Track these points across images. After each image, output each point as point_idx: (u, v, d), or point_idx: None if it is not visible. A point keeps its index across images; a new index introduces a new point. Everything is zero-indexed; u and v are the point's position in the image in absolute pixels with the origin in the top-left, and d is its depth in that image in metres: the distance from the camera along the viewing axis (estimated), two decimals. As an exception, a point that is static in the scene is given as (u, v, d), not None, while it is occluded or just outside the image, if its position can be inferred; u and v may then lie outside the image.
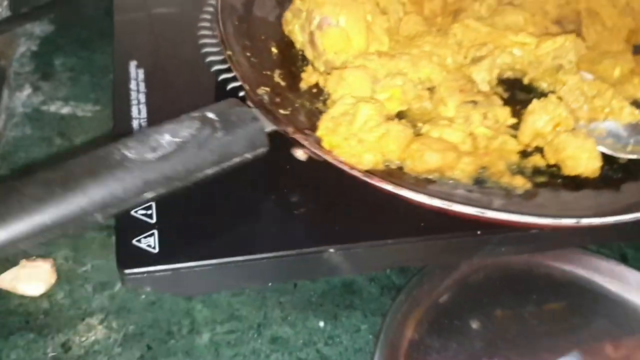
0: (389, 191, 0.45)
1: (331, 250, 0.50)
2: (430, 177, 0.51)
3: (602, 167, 0.53)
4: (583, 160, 0.52)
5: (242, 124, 0.46)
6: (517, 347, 0.56)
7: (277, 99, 0.54)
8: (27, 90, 0.71)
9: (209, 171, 0.44)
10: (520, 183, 0.52)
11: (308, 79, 0.59)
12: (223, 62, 0.60)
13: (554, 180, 0.53)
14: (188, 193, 0.50)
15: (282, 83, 0.58)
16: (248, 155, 0.46)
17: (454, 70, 0.59)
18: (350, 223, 0.51)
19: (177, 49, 0.65)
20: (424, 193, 0.45)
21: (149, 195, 0.41)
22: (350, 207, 0.51)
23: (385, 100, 0.54)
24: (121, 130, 0.55)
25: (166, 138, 0.43)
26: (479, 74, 0.58)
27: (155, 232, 0.47)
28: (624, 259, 0.62)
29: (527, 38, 0.59)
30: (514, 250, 0.56)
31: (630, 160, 0.55)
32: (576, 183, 0.53)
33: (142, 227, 0.47)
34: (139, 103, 0.57)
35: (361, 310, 0.57)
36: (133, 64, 0.61)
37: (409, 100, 0.56)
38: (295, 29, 0.61)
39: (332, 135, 0.50)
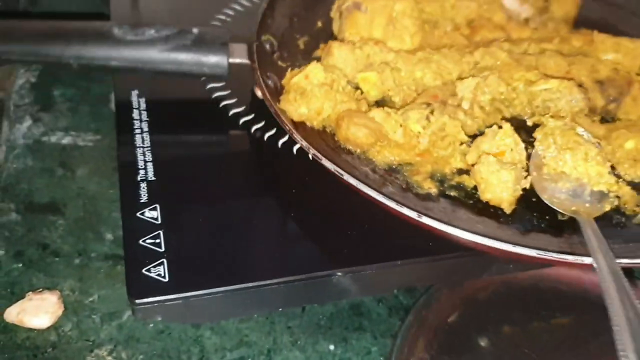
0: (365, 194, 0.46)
1: (339, 273, 0.50)
2: (352, 150, 0.56)
3: (522, 206, 0.54)
4: (493, 186, 0.52)
5: (212, 44, 0.56)
6: (527, 362, 0.55)
7: (285, 54, 0.65)
8: (28, 122, 0.71)
9: (169, 67, 0.56)
10: (427, 186, 0.54)
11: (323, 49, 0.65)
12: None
13: (466, 200, 0.54)
14: (196, 220, 0.51)
15: (302, 47, 0.68)
16: (206, 70, 0.56)
17: (450, 82, 0.60)
18: (358, 245, 0.51)
19: (176, 81, 0.66)
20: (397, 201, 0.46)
21: (114, 63, 0.55)
22: (356, 228, 0.52)
23: (360, 80, 0.61)
24: (125, 159, 0.55)
25: (150, 31, 0.56)
26: (461, 90, 0.59)
27: (165, 260, 0.47)
28: (629, 273, 0.62)
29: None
30: (522, 266, 0.56)
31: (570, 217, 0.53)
32: (487, 209, 0.54)
33: (151, 256, 0.47)
34: (142, 132, 0.57)
35: (370, 332, 0.57)
36: (134, 94, 0.61)
37: (384, 90, 0.61)
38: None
39: (289, 84, 0.58)
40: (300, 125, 0.55)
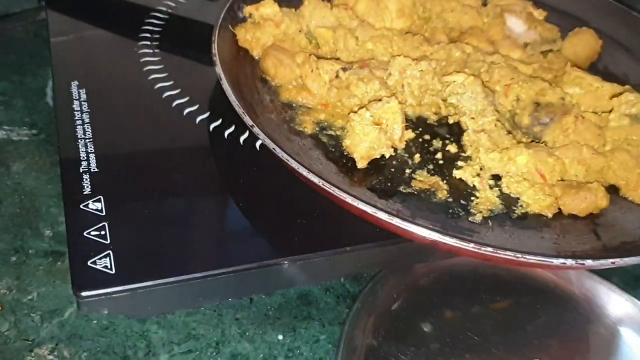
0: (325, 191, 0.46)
1: (286, 262, 0.50)
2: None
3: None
4: (355, 135, 0.54)
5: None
6: (470, 346, 0.57)
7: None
8: (-43, 117, 0.68)
9: None
10: (305, 126, 0.58)
11: None
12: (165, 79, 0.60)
13: (330, 147, 0.57)
14: (142, 211, 0.50)
15: None
16: None
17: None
18: (305, 233, 0.51)
19: (116, 67, 0.64)
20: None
21: None
22: (303, 217, 0.52)
23: (315, 33, 0.66)
24: (67, 151, 0.53)
25: None
26: (391, 65, 0.62)
27: (110, 252, 0.46)
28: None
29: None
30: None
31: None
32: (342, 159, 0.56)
33: (97, 248, 0.46)
34: (83, 123, 0.56)
35: (319, 321, 0.58)
36: (74, 84, 0.60)
37: (334, 49, 0.65)
38: None
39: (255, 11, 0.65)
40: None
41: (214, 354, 0.53)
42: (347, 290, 0.61)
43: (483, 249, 0.44)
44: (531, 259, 0.44)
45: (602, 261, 0.45)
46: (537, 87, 0.60)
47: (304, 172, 0.47)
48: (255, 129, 0.49)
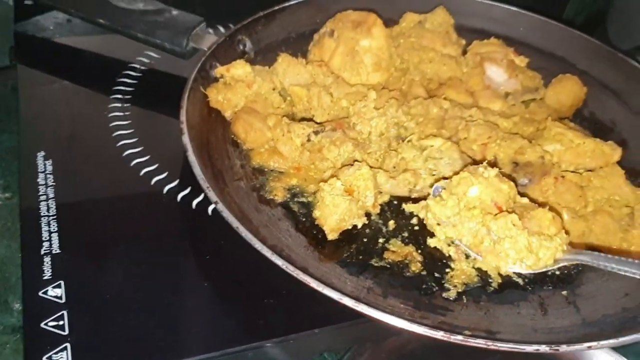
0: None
1: (268, 344, 0.48)
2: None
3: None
4: (325, 206, 0.53)
5: (181, 24, 0.68)
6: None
7: (259, 59, 0.69)
8: None
9: (140, 35, 0.68)
10: (276, 193, 0.57)
11: None
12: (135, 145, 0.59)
13: (300, 216, 0.55)
14: (104, 297, 0.48)
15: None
16: (167, 46, 0.67)
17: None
18: (273, 315, 0.49)
19: (85, 132, 0.63)
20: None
21: (101, 21, 0.70)
22: (272, 296, 0.50)
23: (290, 91, 0.64)
24: (29, 231, 0.52)
25: (139, 4, 0.69)
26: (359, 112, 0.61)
27: (68, 345, 0.44)
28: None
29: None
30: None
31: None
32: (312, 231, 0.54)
33: (54, 341, 0.44)
34: (47, 199, 0.54)
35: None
36: (40, 156, 0.58)
37: (308, 107, 0.64)
38: None
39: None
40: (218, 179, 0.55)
41: None
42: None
43: (452, 337, 0.42)
44: (502, 347, 0.42)
45: (577, 346, 0.43)
46: (516, 145, 0.58)
47: (267, 253, 0.45)
48: (219, 206, 0.48)
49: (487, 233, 0.50)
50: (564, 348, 0.43)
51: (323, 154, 0.57)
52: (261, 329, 0.48)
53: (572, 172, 0.59)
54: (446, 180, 0.54)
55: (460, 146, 0.59)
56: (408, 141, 0.59)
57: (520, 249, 0.49)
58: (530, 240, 0.49)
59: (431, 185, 0.55)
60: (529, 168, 0.57)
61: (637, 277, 0.46)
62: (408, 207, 0.56)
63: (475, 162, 0.58)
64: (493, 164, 0.55)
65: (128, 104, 0.67)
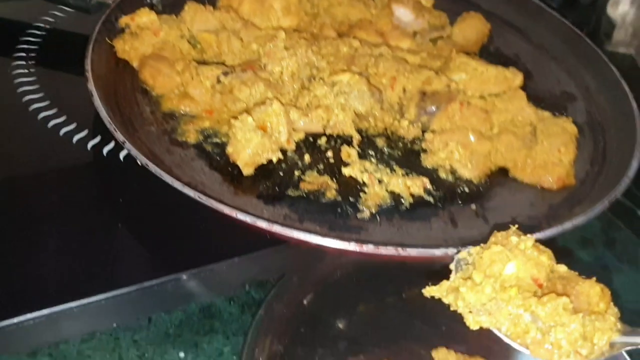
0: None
1: (185, 276, 0.48)
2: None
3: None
4: (237, 142, 0.53)
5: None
6: (380, 339, 0.57)
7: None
8: None
9: None
10: (188, 136, 0.56)
11: None
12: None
13: (214, 155, 0.55)
14: (19, 238, 0.47)
15: None
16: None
17: None
18: (198, 245, 0.50)
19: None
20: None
21: None
22: (190, 230, 0.50)
23: (199, 38, 0.64)
24: None
25: None
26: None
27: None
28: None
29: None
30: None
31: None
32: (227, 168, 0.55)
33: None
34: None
35: (222, 333, 0.56)
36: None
37: (218, 52, 0.64)
38: None
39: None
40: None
41: (111, 380, 0.51)
42: (252, 297, 0.60)
43: (365, 247, 0.43)
44: (412, 253, 0.44)
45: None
46: (423, 76, 0.60)
47: (178, 185, 0.45)
48: (127, 145, 0.47)
49: (533, 320, 0.41)
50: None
51: (235, 95, 0.57)
52: (178, 261, 0.48)
53: (478, 98, 0.61)
54: (468, 250, 0.43)
55: (370, 81, 0.60)
56: (320, 79, 0.60)
57: (575, 337, 0.40)
58: (585, 325, 0.40)
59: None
60: (436, 96, 0.59)
61: None
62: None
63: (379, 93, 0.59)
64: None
65: (33, 62, 0.65)
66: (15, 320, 0.43)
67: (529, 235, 0.43)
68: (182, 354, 0.54)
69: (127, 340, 0.54)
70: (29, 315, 0.44)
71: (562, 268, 0.44)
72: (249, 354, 0.53)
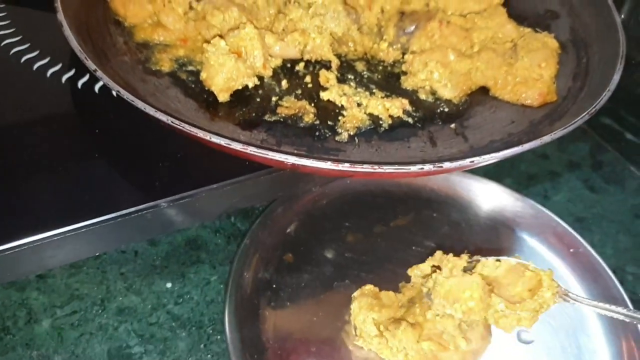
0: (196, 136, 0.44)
1: (164, 203, 0.48)
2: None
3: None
4: (211, 67, 0.52)
5: None
6: (365, 265, 0.57)
7: None
8: None
9: None
10: (162, 64, 0.55)
11: None
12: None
13: (189, 83, 0.54)
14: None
15: None
16: None
17: None
18: (176, 173, 0.50)
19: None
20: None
21: None
22: (172, 158, 0.50)
23: None
24: None
25: None
26: None
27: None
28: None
29: None
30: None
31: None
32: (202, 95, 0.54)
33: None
34: None
35: (209, 263, 0.57)
36: None
37: None
38: None
39: None
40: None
41: (100, 311, 0.52)
42: (238, 228, 0.60)
43: (340, 166, 0.43)
44: (388, 169, 0.43)
45: (460, 162, 0.45)
46: (404, -5, 0.59)
47: (151, 111, 0.44)
48: (99, 73, 0.46)
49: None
50: (447, 165, 0.45)
51: (208, 21, 0.56)
52: (157, 189, 0.48)
53: (458, 16, 0.60)
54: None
55: (348, 2, 0.59)
56: (295, 1, 0.58)
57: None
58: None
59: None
60: (415, 16, 0.58)
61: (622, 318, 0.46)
62: (325, 95, 0.55)
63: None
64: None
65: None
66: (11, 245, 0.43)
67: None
68: (169, 285, 0.55)
69: (114, 273, 0.55)
70: (12, 244, 0.44)
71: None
72: (235, 281, 0.54)
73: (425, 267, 0.50)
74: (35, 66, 0.56)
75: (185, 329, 0.52)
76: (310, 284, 0.55)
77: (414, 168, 0.44)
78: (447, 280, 0.47)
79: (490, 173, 0.65)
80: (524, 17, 0.64)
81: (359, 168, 0.43)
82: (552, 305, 0.46)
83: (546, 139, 0.47)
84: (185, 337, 0.51)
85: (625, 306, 0.53)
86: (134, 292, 0.54)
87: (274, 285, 0.55)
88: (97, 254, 0.53)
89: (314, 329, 0.52)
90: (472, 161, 0.45)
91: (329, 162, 0.43)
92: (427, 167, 0.44)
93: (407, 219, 0.63)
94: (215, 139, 0.44)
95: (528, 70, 0.55)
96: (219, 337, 0.52)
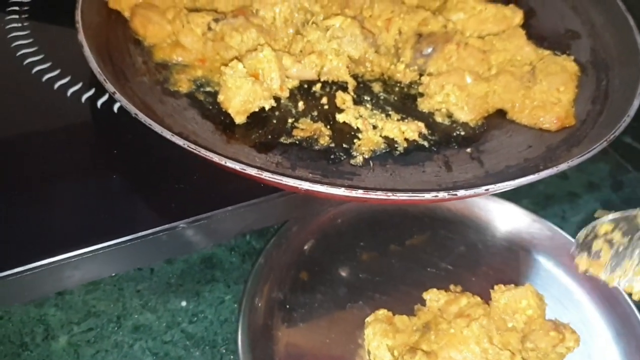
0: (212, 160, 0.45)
1: (181, 225, 0.49)
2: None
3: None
4: (228, 89, 0.52)
5: None
6: (379, 286, 0.57)
7: None
8: None
9: None
10: (180, 85, 0.55)
11: None
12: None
13: (207, 105, 0.55)
14: (14, 193, 0.48)
15: None
16: None
17: None
18: (192, 195, 0.50)
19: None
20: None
21: None
22: (190, 179, 0.51)
23: None
24: None
25: None
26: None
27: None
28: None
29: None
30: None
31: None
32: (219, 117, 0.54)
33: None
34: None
35: (223, 282, 0.57)
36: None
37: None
38: None
39: None
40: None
41: (115, 328, 0.53)
42: (253, 247, 0.61)
43: (354, 192, 0.43)
44: (402, 197, 0.43)
45: (475, 190, 0.44)
46: (419, 17, 0.59)
47: (167, 135, 0.45)
48: (117, 96, 0.47)
49: None
50: (462, 193, 0.44)
51: (226, 42, 0.57)
52: (173, 211, 0.48)
53: (476, 38, 0.59)
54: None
55: (365, 24, 0.59)
56: (312, 23, 0.58)
57: None
58: None
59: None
60: (432, 38, 0.58)
61: None
62: (341, 118, 0.55)
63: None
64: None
65: (26, 15, 0.65)
66: (17, 270, 0.44)
67: None
68: (184, 303, 0.55)
69: (130, 290, 0.55)
70: (30, 265, 0.45)
71: None
72: (249, 301, 0.54)
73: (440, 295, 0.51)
74: (56, 85, 0.57)
75: (199, 348, 0.52)
76: (324, 305, 0.55)
77: (428, 196, 0.44)
78: (502, 295, 0.50)
79: (507, 193, 0.64)
80: (544, 37, 0.63)
81: (372, 195, 0.44)
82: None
83: (563, 166, 0.47)
84: (199, 356, 0.52)
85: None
86: (150, 310, 0.54)
87: (287, 305, 0.55)
88: (114, 274, 0.54)
89: (327, 350, 0.52)
90: (487, 189, 0.45)
91: (343, 189, 0.44)
92: (442, 194, 0.44)
93: (422, 238, 0.63)
94: (231, 164, 0.44)
95: (546, 93, 0.54)
96: (232, 357, 0.52)
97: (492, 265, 0.59)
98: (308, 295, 0.56)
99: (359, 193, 0.43)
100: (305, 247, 0.60)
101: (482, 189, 0.45)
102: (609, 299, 0.57)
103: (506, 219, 0.63)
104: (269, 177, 0.44)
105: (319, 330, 0.53)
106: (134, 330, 0.53)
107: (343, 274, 0.58)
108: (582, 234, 0.55)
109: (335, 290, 0.57)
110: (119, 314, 0.54)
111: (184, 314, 0.54)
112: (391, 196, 0.43)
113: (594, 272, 0.55)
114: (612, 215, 0.53)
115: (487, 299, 0.52)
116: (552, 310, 0.52)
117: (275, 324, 0.53)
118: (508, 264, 0.60)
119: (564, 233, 0.61)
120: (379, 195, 0.43)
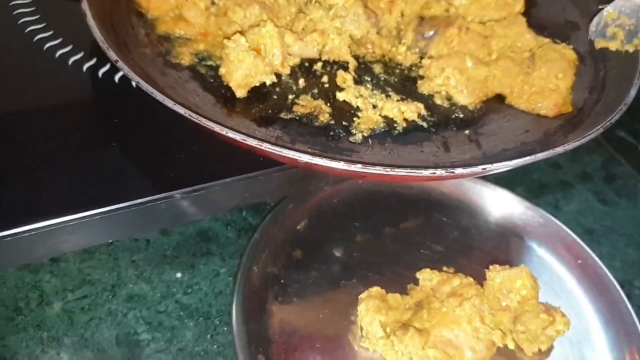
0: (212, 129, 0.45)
1: (178, 195, 0.49)
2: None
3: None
4: (229, 63, 0.52)
5: None
6: (373, 265, 0.58)
7: None
8: None
9: None
10: (182, 58, 0.55)
11: None
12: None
13: (208, 78, 0.55)
14: (6, 155, 0.48)
15: None
16: None
17: None
18: (191, 165, 0.50)
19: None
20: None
21: None
22: (188, 150, 0.51)
23: None
24: None
25: None
26: None
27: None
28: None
29: None
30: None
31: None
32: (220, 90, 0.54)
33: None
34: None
35: (219, 256, 0.58)
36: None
37: None
38: None
39: None
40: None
41: (110, 297, 0.53)
42: (249, 223, 0.61)
43: (353, 166, 0.44)
44: (400, 172, 0.44)
45: (473, 169, 0.45)
46: (422, 0, 0.59)
47: (169, 104, 0.45)
48: (120, 64, 0.47)
49: None
50: (459, 170, 0.45)
51: (229, 17, 0.57)
52: (171, 180, 0.49)
53: (477, 23, 0.60)
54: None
55: (369, 5, 0.59)
56: (315, 2, 0.59)
57: None
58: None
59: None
60: (434, 21, 0.58)
61: None
62: (341, 96, 0.55)
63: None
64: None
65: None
66: (13, 231, 0.44)
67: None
68: (179, 274, 0.56)
69: (125, 260, 0.55)
70: (26, 227, 0.45)
71: None
72: (244, 274, 0.54)
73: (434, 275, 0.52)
74: (58, 54, 0.57)
75: (192, 319, 0.53)
76: (318, 282, 0.56)
77: (426, 172, 0.44)
78: (497, 274, 0.51)
79: (502, 180, 0.65)
80: (544, 26, 0.64)
81: (371, 169, 0.44)
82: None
83: (559, 150, 0.47)
84: (192, 326, 0.52)
85: (632, 320, 0.53)
86: (144, 280, 0.54)
87: (282, 281, 0.55)
88: (110, 241, 0.54)
89: (320, 326, 0.52)
90: (484, 168, 0.45)
91: (342, 162, 0.44)
92: (439, 172, 0.44)
93: (416, 222, 0.64)
94: (231, 134, 0.44)
95: (545, 80, 0.55)
96: (225, 328, 0.53)
97: (485, 250, 0.60)
98: (302, 272, 0.56)
99: (357, 167, 0.44)
100: (301, 225, 0.60)
101: (479, 168, 0.45)
102: (599, 287, 0.58)
103: (500, 205, 0.64)
104: (269, 148, 0.44)
105: (313, 306, 0.54)
106: (128, 299, 0.53)
107: (337, 253, 0.59)
108: (593, 24, 0.60)
109: (330, 268, 0.57)
110: (113, 283, 0.54)
111: (178, 285, 0.55)
112: (390, 172, 0.44)
113: (611, 47, 0.59)
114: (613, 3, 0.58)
115: (479, 281, 0.53)
116: (543, 295, 0.53)
117: (269, 298, 0.53)
118: (501, 249, 0.61)
119: (556, 221, 0.62)
120: (378, 170, 0.44)
